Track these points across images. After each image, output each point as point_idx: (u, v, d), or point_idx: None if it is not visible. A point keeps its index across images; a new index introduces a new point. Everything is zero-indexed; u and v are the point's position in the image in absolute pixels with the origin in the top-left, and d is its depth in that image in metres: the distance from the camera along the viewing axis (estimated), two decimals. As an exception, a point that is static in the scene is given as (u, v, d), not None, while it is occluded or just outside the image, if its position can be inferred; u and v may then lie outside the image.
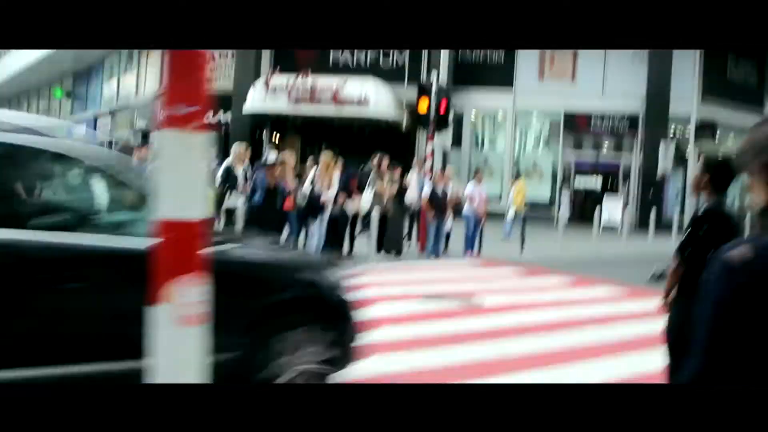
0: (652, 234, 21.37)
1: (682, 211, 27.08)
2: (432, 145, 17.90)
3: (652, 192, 30.12)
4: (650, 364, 6.67)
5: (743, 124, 24.32)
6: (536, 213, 23.73)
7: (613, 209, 28.78)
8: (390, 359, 7.35)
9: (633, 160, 30.57)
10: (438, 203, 15.91)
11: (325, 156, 14.28)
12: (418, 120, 16.97)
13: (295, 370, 5.45)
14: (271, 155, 13.06)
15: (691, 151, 30.71)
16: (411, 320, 9.47)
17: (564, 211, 22.18)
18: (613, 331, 9.43)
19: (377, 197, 15.05)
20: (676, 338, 4.91)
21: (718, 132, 30.34)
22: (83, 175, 5.36)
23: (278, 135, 31.09)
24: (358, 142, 30.20)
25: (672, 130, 27.92)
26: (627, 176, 31.18)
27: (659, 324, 5.10)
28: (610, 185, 32.29)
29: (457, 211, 16.72)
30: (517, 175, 17.52)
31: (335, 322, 5.74)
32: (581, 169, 32.21)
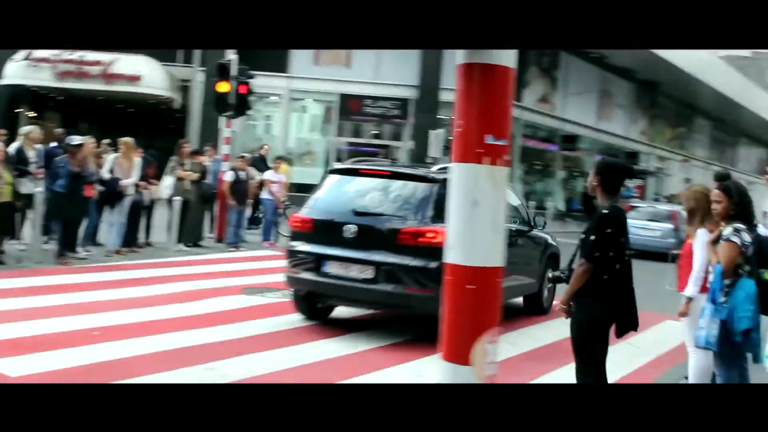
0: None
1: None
2: (230, 131, 17.35)
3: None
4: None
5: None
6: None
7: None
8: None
9: (404, 145, 31.49)
10: (240, 190, 15.48)
11: (125, 141, 13.42)
12: (216, 104, 16.31)
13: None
14: (75, 138, 12.04)
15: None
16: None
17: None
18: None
19: (179, 184, 14.38)
20: (583, 338, 5.05)
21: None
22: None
23: (37, 110, 28.87)
24: (127, 120, 28.80)
25: (442, 118, 28.97)
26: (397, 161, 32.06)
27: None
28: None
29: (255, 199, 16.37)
30: (279, 158, 17.08)
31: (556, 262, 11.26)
32: (354, 153, 32.74)
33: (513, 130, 35.57)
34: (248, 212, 16.24)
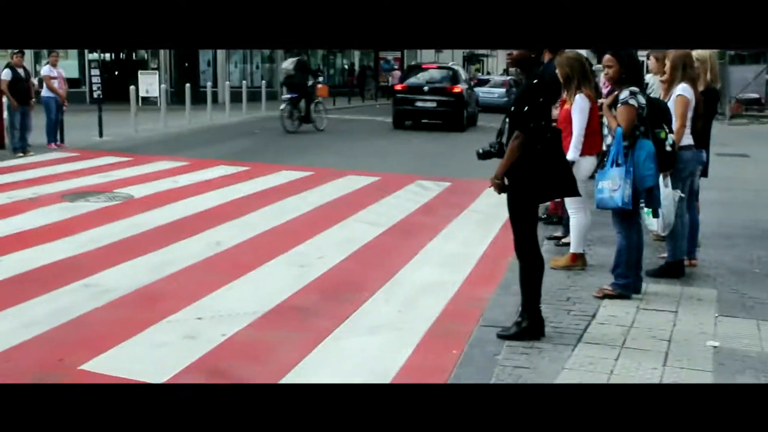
0: (188, 108, 21.25)
1: (214, 85, 27.40)
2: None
3: (187, 66, 30.03)
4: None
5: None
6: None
7: (150, 84, 28.14)
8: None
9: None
10: (20, 89, 14.08)
11: None
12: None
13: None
14: None
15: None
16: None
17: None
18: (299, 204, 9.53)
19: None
20: (522, 211, 5.13)
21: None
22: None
23: None
24: None
25: None
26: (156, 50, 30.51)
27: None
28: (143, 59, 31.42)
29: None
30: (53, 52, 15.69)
31: None
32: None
33: None
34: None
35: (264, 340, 5.23)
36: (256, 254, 7.39)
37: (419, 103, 22.14)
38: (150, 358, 4.83)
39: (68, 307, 5.74)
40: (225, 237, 8.05)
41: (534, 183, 5.04)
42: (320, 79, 23.72)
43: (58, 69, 15.48)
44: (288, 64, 20.92)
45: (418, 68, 25.08)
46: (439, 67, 24.38)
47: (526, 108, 4.95)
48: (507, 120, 5.13)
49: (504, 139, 5.16)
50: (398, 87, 23.28)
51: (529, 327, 5.12)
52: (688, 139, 6.63)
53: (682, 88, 6.56)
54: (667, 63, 6.70)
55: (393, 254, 7.57)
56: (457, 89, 22.21)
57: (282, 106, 20.18)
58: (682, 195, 6.54)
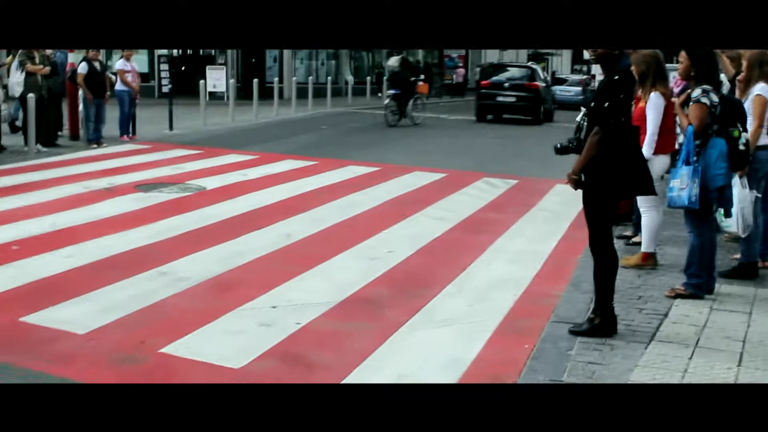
0: (256, 103, 21.54)
1: (280, 81, 27.70)
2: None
3: (254, 61, 30.38)
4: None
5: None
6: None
7: (217, 79, 28.51)
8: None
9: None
10: (96, 82, 14.44)
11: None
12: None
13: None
14: None
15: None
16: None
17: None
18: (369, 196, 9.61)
19: (30, 79, 13.20)
20: (599, 207, 5.11)
21: None
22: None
23: None
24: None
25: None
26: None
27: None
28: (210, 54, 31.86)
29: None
30: None
31: None
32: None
33: None
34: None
35: (337, 329, 5.31)
36: (327, 247, 7.49)
37: (500, 98, 24.22)
38: (227, 343, 4.95)
39: (146, 293, 5.90)
40: (295, 229, 8.17)
41: (611, 180, 5.03)
42: (422, 76, 25.19)
43: (131, 63, 15.83)
44: (393, 61, 23.09)
45: (500, 67, 27.38)
46: (519, 66, 27.03)
47: (606, 104, 4.95)
48: (585, 116, 5.13)
49: (582, 135, 5.16)
50: (484, 83, 25.09)
51: (601, 324, 5.11)
52: (764, 139, 6.53)
53: (761, 88, 6.47)
54: (744, 62, 6.61)
55: (462, 250, 7.60)
56: (534, 86, 24.33)
57: (386, 101, 21.69)
58: (758, 195, 6.44)
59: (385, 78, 27.69)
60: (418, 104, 22.53)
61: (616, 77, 5.01)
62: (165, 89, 19.77)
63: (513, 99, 24.07)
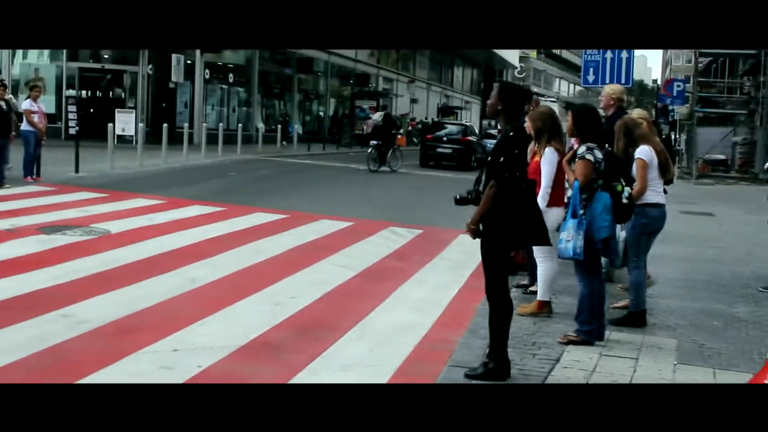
0: (165, 148, 21.47)
1: (191, 126, 27.64)
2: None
3: (165, 106, 30.21)
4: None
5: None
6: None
7: (126, 123, 28.22)
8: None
9: (140, 69, 30.14)
10: (2, 122, 14.19)
11: None
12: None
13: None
14: None
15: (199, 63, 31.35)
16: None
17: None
18: (279, 242, 9.68)
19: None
20: (495, 256, 5.35)
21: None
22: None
23: None
24: None
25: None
26: (135, 87, 30.72)
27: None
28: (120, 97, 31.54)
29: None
30: (35, 86, 15.87)
31: None
32: (87, 81, 30.89)
33: (252, 54, 36.27)
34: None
35: (239, 372, 5.37)
36: (231, 292, 7.54)
37: (439, 149, 29.57)
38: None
39: (46, 335, 5.85)
40: (200, 274, 8.18)
41: (507, 230, 5.27)
42: (401, 131, 30.74)
43: (38, 103, 15.62)
44: (377, 116, 28.29)
45: (440, 124, 33.89)
46: (455, 124, 33.65)
47: (501, 158, 5.21)
48: (485, 169, 5.38)
49: (480, 187, 5.41)
50: (428, 137, 30.90)
51: (495, 368, 5.31)
52: (656, 197, 6.97)
53: (640, 150, 6.91)
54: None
55: (365, 296, 7.74)
56: (467, 139, 29.88)
57: (369, 150, 25.28)
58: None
59: (366, 132, 34.27)
60: (396, 155, 25.84)
61: (512, 133, 5.29)
62: (72, 131, 19.49)
63: (449, 150, 29.30)
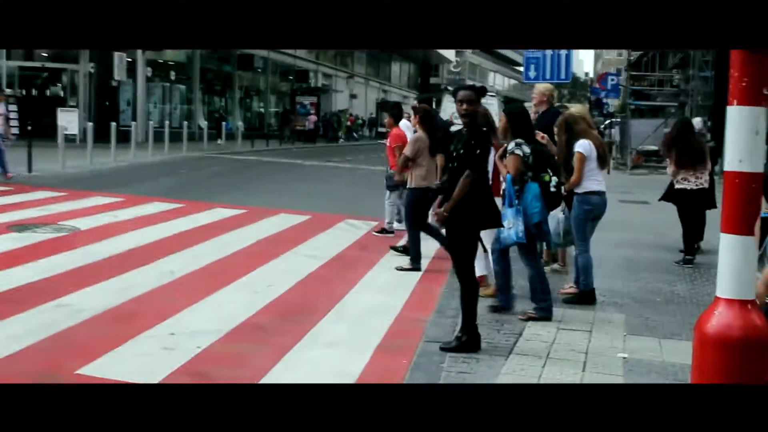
0: (114, 146, 21.73)
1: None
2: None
3: (108, 104, 30.22)
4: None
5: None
6: None
7: (69, 121, 28.22)
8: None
9: (82, 67, 30.09)
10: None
11: None
12: None
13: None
14: None
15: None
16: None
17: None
18: (239, 237, 10.15)
19: None
20: (467, 240, 5.99)
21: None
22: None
23: None
24: None
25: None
26: (74, 85, 30.68)
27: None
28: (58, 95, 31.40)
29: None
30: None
31: None
32: (23, 80, 30.72)
33: (192, 51, 36.27)
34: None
35: (236, 351, 5.89)
36: (209, 282, 8.01)
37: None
38: (137, 364, 5.44)
39: (49, 323, 6.27)
40: (177, 266, 8.64)
41: (475, 214, 5.91)
42: None
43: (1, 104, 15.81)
44: None
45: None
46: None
47: (478, 151, 5.85)
48: (453, 162, 5.99)
49: (446, 178, 6.04)
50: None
51: (468, 341, 5.92)
52: (597, 185, 7.65)
53: (579, 144, 7.59)
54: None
55: (336, 282, 8.30)
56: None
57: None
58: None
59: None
60: None
61: (485, 128, 5.95)
62: (14, 131, 19.59)
63: None
